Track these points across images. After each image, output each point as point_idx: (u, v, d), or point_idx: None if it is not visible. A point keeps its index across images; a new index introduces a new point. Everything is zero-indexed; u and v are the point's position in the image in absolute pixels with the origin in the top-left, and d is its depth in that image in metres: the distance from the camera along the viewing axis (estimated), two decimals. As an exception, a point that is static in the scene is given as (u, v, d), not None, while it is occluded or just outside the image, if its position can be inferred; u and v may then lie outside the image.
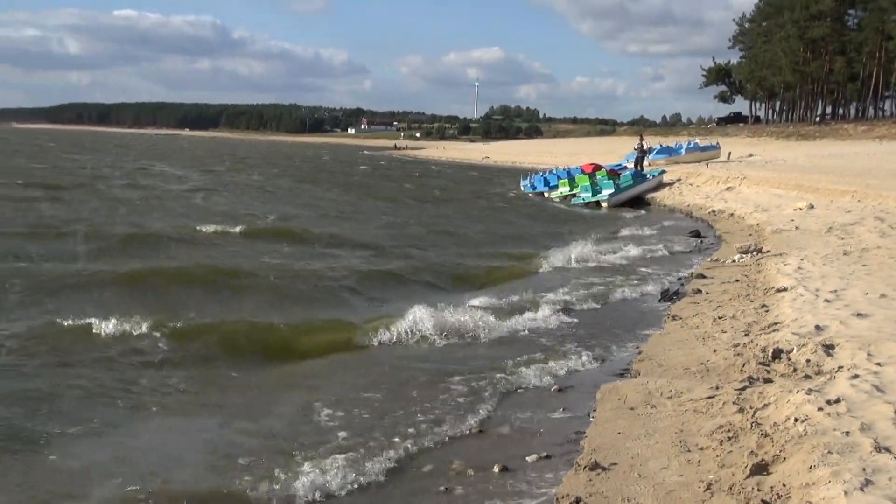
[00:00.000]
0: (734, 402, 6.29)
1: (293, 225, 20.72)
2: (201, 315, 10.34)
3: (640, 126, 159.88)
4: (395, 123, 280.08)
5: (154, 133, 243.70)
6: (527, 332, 10.27)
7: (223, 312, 10.64)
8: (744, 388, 6.62)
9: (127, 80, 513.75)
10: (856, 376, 6.32)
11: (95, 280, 12.20)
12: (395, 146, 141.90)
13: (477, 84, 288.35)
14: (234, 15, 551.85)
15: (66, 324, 9.24)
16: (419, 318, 10.02)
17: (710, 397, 6.56)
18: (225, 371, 8.47)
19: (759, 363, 7.35)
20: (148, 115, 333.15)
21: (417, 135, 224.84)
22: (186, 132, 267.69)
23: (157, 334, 9.06)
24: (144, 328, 9.16)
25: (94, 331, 9.10)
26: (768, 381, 6.87)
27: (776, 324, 8.78)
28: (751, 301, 10.48)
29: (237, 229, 18.54)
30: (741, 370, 7.31)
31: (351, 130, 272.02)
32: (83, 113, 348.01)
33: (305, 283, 12.94)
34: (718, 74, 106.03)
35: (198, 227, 18.48)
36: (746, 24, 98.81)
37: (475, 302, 11.59)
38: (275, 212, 24.14)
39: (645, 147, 39.55)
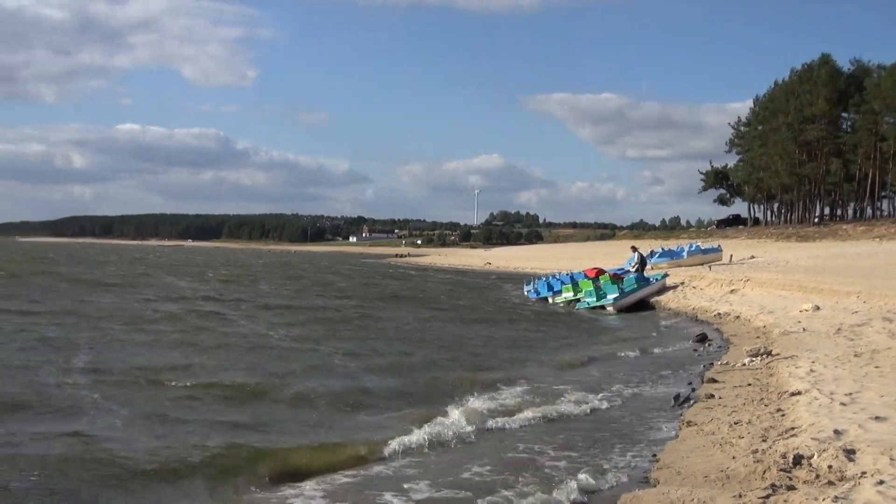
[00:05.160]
0: (759, 512, 6.19)
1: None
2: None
3: (640, 230, 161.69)
4: (396, 231, 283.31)
5: (157, 244, 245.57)
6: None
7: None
8: (767, 497, 6.49)
9: (129, 192, 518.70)
10: (881, 482, 6.22)
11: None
12: (397, 255, 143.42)
13: (477, 191, 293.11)
14: (237, 127, 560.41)
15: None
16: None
17: (734, 507, 6.45)
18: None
19: (781, 469, 7.23)
20: (150, 227, 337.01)
21: (419, 242, 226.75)
22: (189, 243, 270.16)
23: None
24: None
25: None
26: (791, 488, 6.76)
27: (794, 428, 8.68)
28: (765, 405, 10.37)
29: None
30: (762, 477, 7.19)
31: (353, 238, 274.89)
32: (86, 225, 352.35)
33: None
34: (716, 178, 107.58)
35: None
36: (742, 129, 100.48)
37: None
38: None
39: (644, 254, 39.83)
